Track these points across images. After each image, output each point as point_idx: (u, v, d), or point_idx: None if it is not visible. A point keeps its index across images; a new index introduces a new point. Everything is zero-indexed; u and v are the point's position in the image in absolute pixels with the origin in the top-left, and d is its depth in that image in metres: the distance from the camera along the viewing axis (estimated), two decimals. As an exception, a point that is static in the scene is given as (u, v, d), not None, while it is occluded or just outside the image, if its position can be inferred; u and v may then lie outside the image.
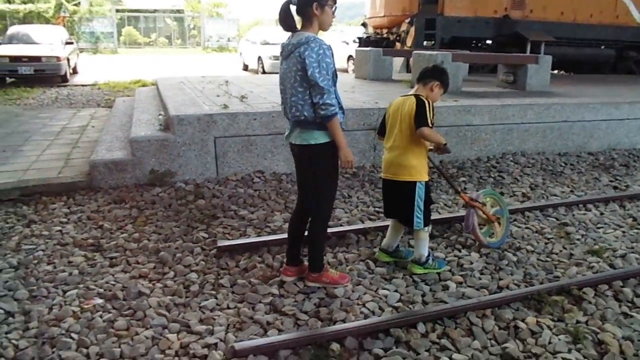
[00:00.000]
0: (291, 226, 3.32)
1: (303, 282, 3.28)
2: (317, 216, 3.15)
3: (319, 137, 2.90)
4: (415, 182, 3.33)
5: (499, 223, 3.98)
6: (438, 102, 6.16)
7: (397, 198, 3.46)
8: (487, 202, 4.00)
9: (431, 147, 3.47)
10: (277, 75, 3.10)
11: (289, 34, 2.94)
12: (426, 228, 3.44)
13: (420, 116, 3.21)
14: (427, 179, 3.39)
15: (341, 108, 2.96)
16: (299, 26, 2.92)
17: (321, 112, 2.77)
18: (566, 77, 12.83)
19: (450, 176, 5.57)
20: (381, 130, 3.56)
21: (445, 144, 3.37)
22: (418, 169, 3.34)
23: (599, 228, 4.48)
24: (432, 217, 4.33)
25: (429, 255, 3.49)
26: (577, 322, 3.01)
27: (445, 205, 4.88)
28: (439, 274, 3.49)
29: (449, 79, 3.49)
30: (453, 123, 6.18)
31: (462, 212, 4.23)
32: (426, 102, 3.26)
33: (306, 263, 3.35)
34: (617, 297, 3.32)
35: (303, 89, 2.80)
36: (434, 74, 3.40)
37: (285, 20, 2.89)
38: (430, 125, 3.22)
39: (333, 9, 2.91)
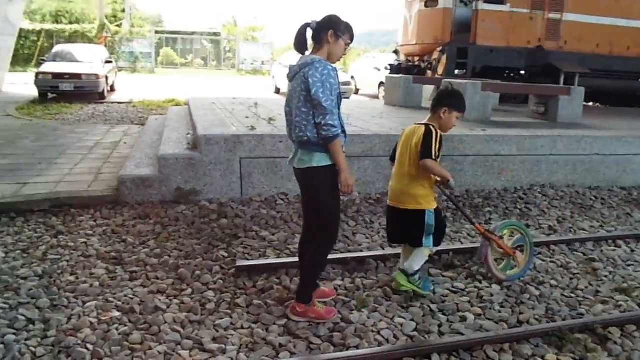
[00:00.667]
0: (300, 251, 3.27)
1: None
2: (320, 243, 3.06)
3: (320, 160, 2.86)
4: (424, 211, 3.28)
5: (522, 251, 3.86)
6: (466, 131, 6.19)
7: (404, 225, 3.41)
8: (504, 235, 3.84)
9: (438, 179, 3.37)
10: None
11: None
12: (433, 248, 3.40)
13: (425, 147, 3.15)
14: (436, 206, 3.35)
15: (344, 131, 2.93)
16: (310, 50, 2.94)
17: (323, 132, 2.74)
18: (600, 110, 12.60)
19: (463, 206, 5.49)
20: (393, 156, 3.53)
21: (449, 180, 3.24)
22: (426, 198, 3.30)
23: (628, 265, 4.33)
24: (454, 247, 4.31)
25: (417, 271, 3.41)
26: (601, 362, 2.90)
27: (468, 235, 4.81)
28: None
29: (458, 99, 3.37)
30: (480, 152, 6.12)
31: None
32: (434, 132, 3.19)
33: (322, 287, 3.33)
34: (645, 339, 3.18)
35: (307, 109, 2.79)
36: (440, 100, 3.34)
37: (299, 41, 2.91)
38: (434, 157, 3.15)
39: (346, 44, 2.93)
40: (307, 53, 2.95)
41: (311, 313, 3.10)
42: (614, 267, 4.25)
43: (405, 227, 3.42)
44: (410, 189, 3.28)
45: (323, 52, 2.89)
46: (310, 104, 2.77)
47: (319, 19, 2.94)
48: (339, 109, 2.88)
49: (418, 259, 3.41)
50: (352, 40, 2.96)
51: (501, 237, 3.77)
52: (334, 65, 2.86)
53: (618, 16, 11.84)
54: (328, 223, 3.03)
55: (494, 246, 3.71)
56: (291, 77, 2.92)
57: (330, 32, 2.85)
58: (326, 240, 3.07)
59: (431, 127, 3.23)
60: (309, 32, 2.91)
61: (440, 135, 3.23)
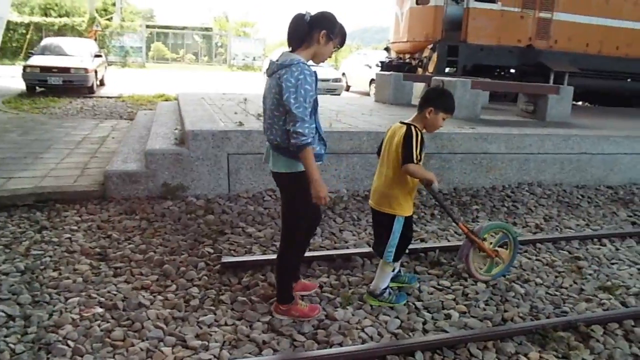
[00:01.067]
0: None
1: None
2: (286, 244, 3.02)
3: (290, 166, 2.76)
4: (394, 216, 3.18)
5: (506, 248, 3.81)
6: (455, 128, 6.20)
7: (378, 226, 3.39)
8: (486, 237, 3.75)
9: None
10: None
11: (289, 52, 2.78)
12: (393, 263, 3.28)
13: (405, 150, 3.04)
14: (408, 214, 3.23)
15: (322, 139, 2.83)
16: (293, 46, 2.76)
17: (292, 140, 2.59)
18: (589, 109, 12.68)
19: (450, 204, 5.50)
20: (379, 151, 3.40)
21: (432, 183, 3.14)
22: (400, 202, 3.17)
23: (613, 264, 4.36)
24: (440, 245, 4.32)
25: (385, 289, 3.32)
26: (583, 360, 2.91)
27: (455, 232, 4.81)
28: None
29: (445, 99, 3.19)
30: (469, 150, 6.13)
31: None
32: (414, 133, 3.06)
33: (303, 280, 3.31)
34: (627, 337, 3.20)
35: (279, 114, 2.67)
36: (427, 99, 3.19)
37: (296, 34, 2.71)
38: (415, 160, 3.03)
39: (335, 47, 2.79)
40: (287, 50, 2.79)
41: (294, 311, 3.09)
42: (599, 266, 4.28)
43: (378, 227, 3.37)
44: (388, 190, 3.18)
45: (309, 51, 2.74)
46: (282, 108, 2.64)
47: (313, 11, 2.76)
48: (315, 114, 2.75)
49: (382, 277, 3.31)
50: (342, 44, 2.82)
51: (483, 240, 3.68)
52: (312, 70, 2.68)
53: (608, 16, 11.90)
54: (292, 230, 2.98)
55: (476, 248, 3.64)
56: (269, 73, 2.78)
57: (322, 32, 2.70)
58: (287, 246, 3.02)
59: (412, 127, 3.10)
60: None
61: (422, 137, 3.10)
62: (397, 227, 3.19)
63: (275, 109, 2.69)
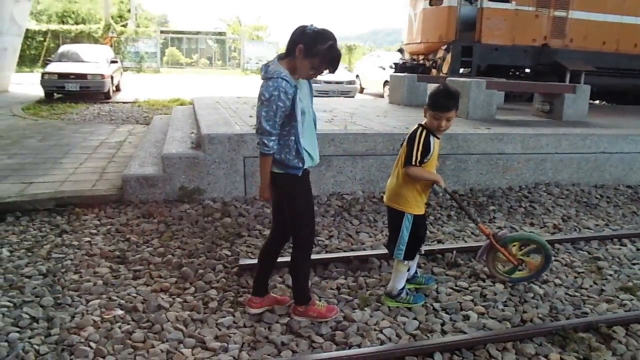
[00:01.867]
0: (263, 252, 3.24)
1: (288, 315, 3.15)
2: (299, 245, 3.03)
3: (280, 167, 2.84)
4: (403, 213, 3.19)
5: (523, 266, 3.71)
6: (470, 129, 6.17)
7: (390, 222, 3.40)
8: (507, 245, 3.63)
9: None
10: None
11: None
12: (406, 262, 3.27)
13: (408, 152, 3.06)
14: (418, 213, 3.21)
15: (302, 152, 2.78)
16: (285, 54, 2.75)
17: (257, 145, 2.78)
18: (606, 108, 12.51)
19: (467, 205, 5.46)
20: None
21: (436, 182, 3.12)
22: (409, 201, 3.17)
23: (634, 264, 4.30)
24: (458, 246, 4.30)
25: (402, 289, 3.32)
26: (605, 361, 2.88)
27: (472, 233, 4.79)
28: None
29: (437, 99, 3.04)
30: (484, 151, 6.09)
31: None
32: (419, 135, 3.04)
33: (272, 294, 3.30)
34: (650, 338, 3.16)
35: None
36: (428, 98, 3.14)
37: (288, 42, 2.71)
38: (414, 162, 3.01)
39: (313, 67, 2.67)
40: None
41: (312, 312, 3.10)
42: (619, 266, 4.22)
43: (390, 226, 3.38)
44: (398, 187, 3.20)
45: (291, 62, 2.70)
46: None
47: (317, 26, 2.68)
48: (302, 126, 2.73)
49: (398, 277, 3.31)
50: (324, 67, 2.68)
51: (504, 246, 3.58)
52: (292, 83, 2.64)
53: (624, 14, 11.74)
54: (303, 224, 2.98)
55: (498, 254, 3.59)
56: (261, 77, 2.77)
57: (299, 47, 2.63)
58: (299, 247, 3.04)
59: (420, 128, 3.09)
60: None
61: (425, 137, 3.04)
62: (407, 225, 3.20)
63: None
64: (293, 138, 2.75)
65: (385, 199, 3.36)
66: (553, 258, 3.76)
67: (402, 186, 3.18)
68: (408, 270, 3.37)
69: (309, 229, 3.03)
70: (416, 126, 3.15)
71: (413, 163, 3.02)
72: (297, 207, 2.95)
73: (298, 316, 3.11)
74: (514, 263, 3.62)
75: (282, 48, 2.96)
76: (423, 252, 3.53)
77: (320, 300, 3.27)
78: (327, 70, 2.73)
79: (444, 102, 3.05)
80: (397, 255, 3.24)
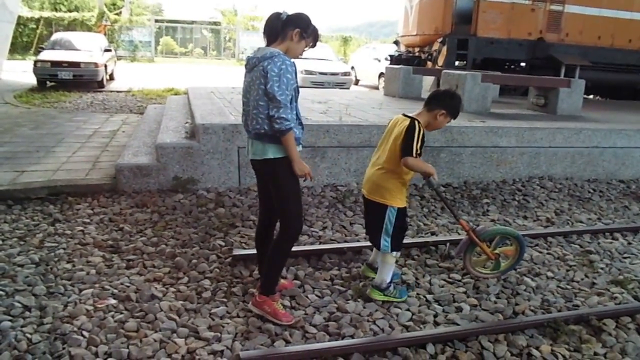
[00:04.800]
0: (258, 242, 3.27)
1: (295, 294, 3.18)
2: (286, 231, 3.01)
3: (276, 151, 2.87)
4: (386, 206, 3.17)
5: (500, 260, 3.64)
6: (465, 122, 6.18)
7: (370, 216, 3.36)
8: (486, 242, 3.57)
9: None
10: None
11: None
12: (394, 253, 3.25)
13: (406, 143, 3.03)
14: (401, 205, 3.20)
15: (301, 124, 2.98)
16: (268, 41, 2.92)
17: (276, 125, 2.75)
18: (601, 103, 12.56)
19: (461, 197, 5.47)
20: None
21: (430, 176, 3.12)
22: (393, 193, 3.16)
23: (625, 258, 4.34)
24: (451, 238, 4.31)
25: (390, 283, 3.30)
26: (595, 353, 2.91)
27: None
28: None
29: (459, 106, 3.24)
30: (479, 144, 6.10)
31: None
32: (418, 128, 3.04)
33: (283, 281, 3.31)
34: None
35: (264, 103, 2.79)
36: (441, 101, 3.18)
37: (271, 30, 2.90)
38: (414, 154, 3.02)
39: (307, 45, 2.95)
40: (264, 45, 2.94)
41: (267, 307, 3.01)
42: (611, 260, 4.26)
43: (371, 217, 3.35)
44: (381, 180, 3.17)
45: (283, 46, 2.89)
46: (267, 97, 2.78)
47: (289, 11, 2.93)
48: (296, 102, 2.92)
49: (385, 269, 3.28)
50: (314, 44, 2.99)
51: (484, 241, 3.54)
52: (292, 60, 2.87)
53: (620, 9, 11.75)
54: (293, 211, 3.00)
55: (476, 248, 3.54)
56: (250, 68, 2.91)
57: (296, 31, 2.87)
58: (286, 234, 3.02)
59: (416, 122, 3.08)
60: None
61: (424, 132, 3.08)
62: (390, 217, 3.18)
63: (261, 99, 2.81)
64: (295, 112, 2.91)
65: (365, 192, 3.31)
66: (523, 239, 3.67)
67: (387, 179, 3.16)
68: (396, 262, 3.37)
69: (299, 214, 3.04)
70: (408, 120, 3.12)
71: (413, 155, 3.02)
72: (289, 192, 2.95)
73: (254, 306, 3.05)
74: (492, 258, 3.57)
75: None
76: (405, 239, 3.47)
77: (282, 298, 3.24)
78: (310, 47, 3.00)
79: (460, 108, 3.23)
80: (384, 248, 3.22)
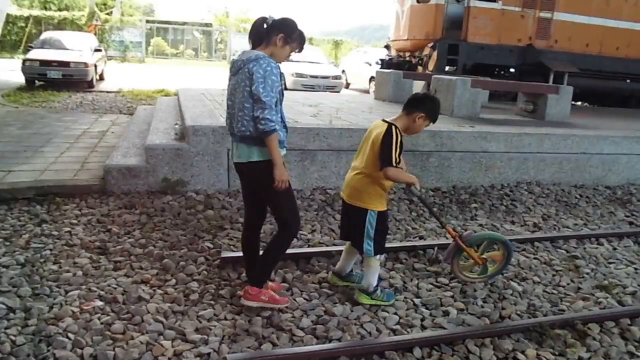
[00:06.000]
0: (244, 243, 3.31)
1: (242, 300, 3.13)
2: (285, 230, 3.05)
3: (263, 154, 2.87)
4: (366, 210, 3.15)
5: (488, 265, 3.66)
6: (455, 127, 6.22)
7: (350, 221, 3.31)
8: (473, 247, 3.61)
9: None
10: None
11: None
12: (378, 256, 3.25)
13: (384, 153, 2.98)
14: (382, 209, 3.18)
15: (285, 127, 2.99)
16: (253, 44, 2.96)
17: (260, 126, 2.75)
18: (588, 109, 12.70)
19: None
20: None
21: (412, 184, 3.10)
22: (372, 198, 3.14)
23: (610, 263, 4.39)
24: (439, 242, 4.33)
25: (377, 286, 3.29)
26: (579, 358, 2.95)
27: (454, 230, 4.82)
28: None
29: (438, 110, 3.22)
30: (468, 149, 6.15)
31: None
32: (395, 134, 3.00)
33: (271, 284, 3.32)
34: (623, 335, 3.23)
35: (250, 105, 2.80)
36: (419, 104, 3.15)
37: (256, 34, 2.93)
38: (394, 163, 2.97)
39: (292, 50, 2.97)
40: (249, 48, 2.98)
41: (264, 295, 3.08)
42: (596, 265, 4.31)
43: (351, 222, 3.30)
44: (360, 185, 3.15)
45: (267, 50, 2.91)
46: (252, 99, 2.79)
47: (276, 16, 2.96)
48: (280, 104, 2.92)
49: (371, 273, 3.26)
50: (300, 49, 3.01)
51: (470, 247, 3.57)
52: (277, 64, 2.88)
53: (608, 17, 11.91)
54: (290, 210, 3.04)
55: (463, 253, 3.57)
56: (235, 71, 2.92)
57: (280, 36, 2.89)
58: (287, 230, 3.06)
59: (393, 127, 3.03)
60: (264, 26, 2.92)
61: (401, 139, 3.03)
62: (371, 222, 3.16)
63: (246, 101, 2.82)
64: (280, 115, 2.92)
65: (345, 196, 3.29)
66: (510, 244, 3.74)
67: (367, 184, 3.14)
68: (380, 264, 3.38)
69: (294, 212, 3.08)
70: (385, 125, 3.08)
71: (393, 164, 2.98)
72: (279, 191, 2.93)
73: (249, 300, 3.07)
74: (479, 262, 3.60)
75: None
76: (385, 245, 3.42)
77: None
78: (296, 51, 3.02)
79: (439, 112, 3.23)
80: (368, 252, 3.20)
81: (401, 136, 3.06)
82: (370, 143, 3.12)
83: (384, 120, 3.16)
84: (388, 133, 3.02)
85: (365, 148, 3.17)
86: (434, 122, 3.24)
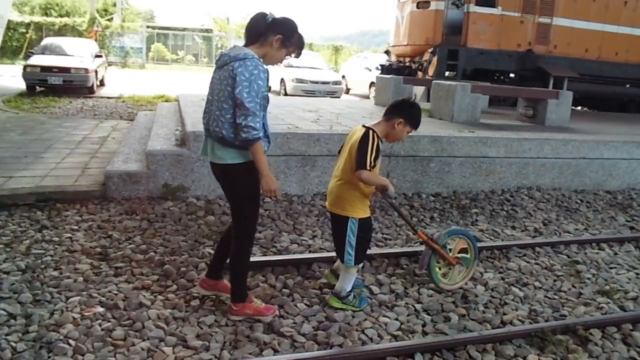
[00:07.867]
0: (221, 240, 3.25)
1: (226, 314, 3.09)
2: (239, 238, 2.97)
3: (235, 157, 2.75)
4: (347, 218, 3.12)
5: (461, 264, 3.69)
6: (455, 132, 6.23)
7: (334, 228, 3.32)
8: (447, 245, 3.65)
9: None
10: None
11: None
12: (357, 266, 3.24)
13: (359, 156, 2.95)
14: (363, 216, 3.15)
15: (267, 136, 2.84)
16: (248, 41, 2.80)
17: (243, 134, 2.60)
18: (588, 114, 12.72)
19: (451, 207, 5.48)
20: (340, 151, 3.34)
21: (387, 189, 3.07)
22: (353, 204, 3.11)
23: (611, 268, 4.39)
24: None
25: (350, 292, 3.27)
26: (581, 363, 2.93)
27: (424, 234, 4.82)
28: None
29: (418, 116, 3.18)
30: (468, 154, 6.15)
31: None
32: (371, 139, 2.97)
33: (225, 282, 3.26)
34: (625, 340, 3.23)
35: (228, 107, 2.66)
36: (398, 109, 3.12)
37: (253, 30, 2.77)
38: (368, 167, 2.94)
39: (288, 53, 2.84)
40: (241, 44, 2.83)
41: (248, 310, 3.04)
42: (597, 270, 4.30)
43: (335, 229, 3.31)
44: (340, 191, 3.13)
45: (261, 49, 2.76)
46: (232, 101, 2.64)
47: (277, 15, 2.80)
48: (264, 111, 2.78)
49: (347, 279, 3.25)
50: (297, 54, 2.87)
51: (443, 247, 3.60)
52: (265, 66, 2.73)
53: (607, 22, 11.97)
54: (249, 218, 2.94)
55: (437, 255, 3.57)
56: (220, 65, 2.76)
57: (277, 37, 2.74)
58: (241, 240, 2.97)
59: (371, 132, 3.01)
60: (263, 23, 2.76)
61: (378, 143, 3.01)
62: (352, 229, 3.12)
63: (225, 101, 2.68)
64: (263, 122, 2.76)
65: (328, 204, 3.28)
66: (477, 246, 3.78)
67: (347, 190, 3.12)
68: (358, 271, 3.36)
69: (254, 218, 2.99)
70: (363, 130, 3.07)
71: (367, 167, 2.95)
72: (246, 195, 2.87)
73: (234, 315, 3.04)
74: (453, 263, 3.61)
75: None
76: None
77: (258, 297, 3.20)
78: (293, 55, 2.88)
79: (420, 120, 3.18)
80: (348, 262, 3.17)
81: (379, 141, 3.04)
82: (348, 148, 3.10)
83: (363, 126, 3.13)
84: (365, 137, 3.00)
85: (345, 156, 3.14)
86: (415, 128, 3.19)
